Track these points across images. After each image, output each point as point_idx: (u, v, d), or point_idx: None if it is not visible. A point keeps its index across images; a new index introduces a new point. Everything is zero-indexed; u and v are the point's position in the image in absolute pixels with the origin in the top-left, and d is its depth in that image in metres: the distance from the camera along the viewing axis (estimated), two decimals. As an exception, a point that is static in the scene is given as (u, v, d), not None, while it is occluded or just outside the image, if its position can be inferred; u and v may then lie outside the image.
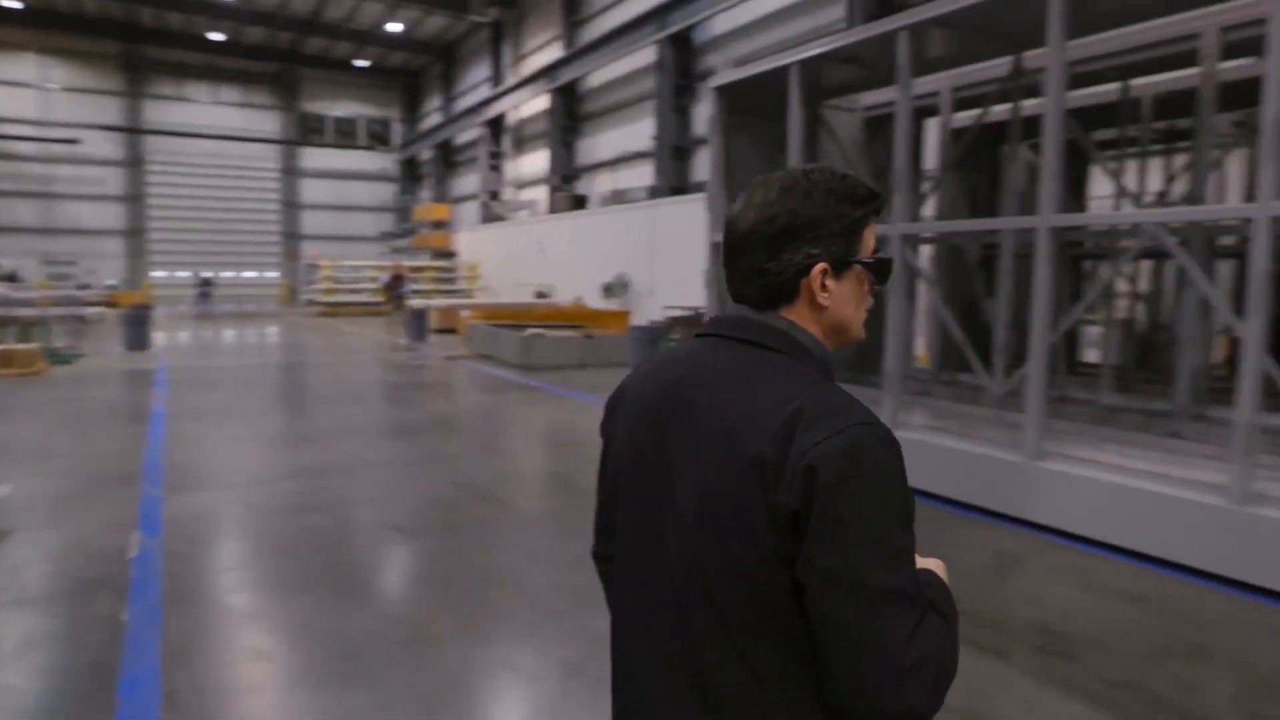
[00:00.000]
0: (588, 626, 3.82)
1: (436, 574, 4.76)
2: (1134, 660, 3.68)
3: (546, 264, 27.04)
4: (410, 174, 43.37)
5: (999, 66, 7.97)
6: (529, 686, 3.48)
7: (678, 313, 17.85)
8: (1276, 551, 4.43)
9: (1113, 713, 3.23)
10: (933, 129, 10.67)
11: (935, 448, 6.38)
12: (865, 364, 10.28)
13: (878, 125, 10.11)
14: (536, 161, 30.38)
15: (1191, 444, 6.27)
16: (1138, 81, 8.37)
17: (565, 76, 26.89)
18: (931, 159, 10.60)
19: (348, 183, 42.68)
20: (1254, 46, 7.19)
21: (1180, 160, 10.07)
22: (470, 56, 35.94)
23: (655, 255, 22.45)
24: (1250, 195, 7.97)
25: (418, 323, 18.97)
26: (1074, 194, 9.72)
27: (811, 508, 1.00)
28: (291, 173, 41.30)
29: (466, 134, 35.15)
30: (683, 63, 23.81)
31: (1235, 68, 7.36)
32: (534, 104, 29.62)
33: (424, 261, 33.06)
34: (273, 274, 40.16)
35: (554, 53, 28.05)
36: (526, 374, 13.41)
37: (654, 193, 24.19)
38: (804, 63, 7.48)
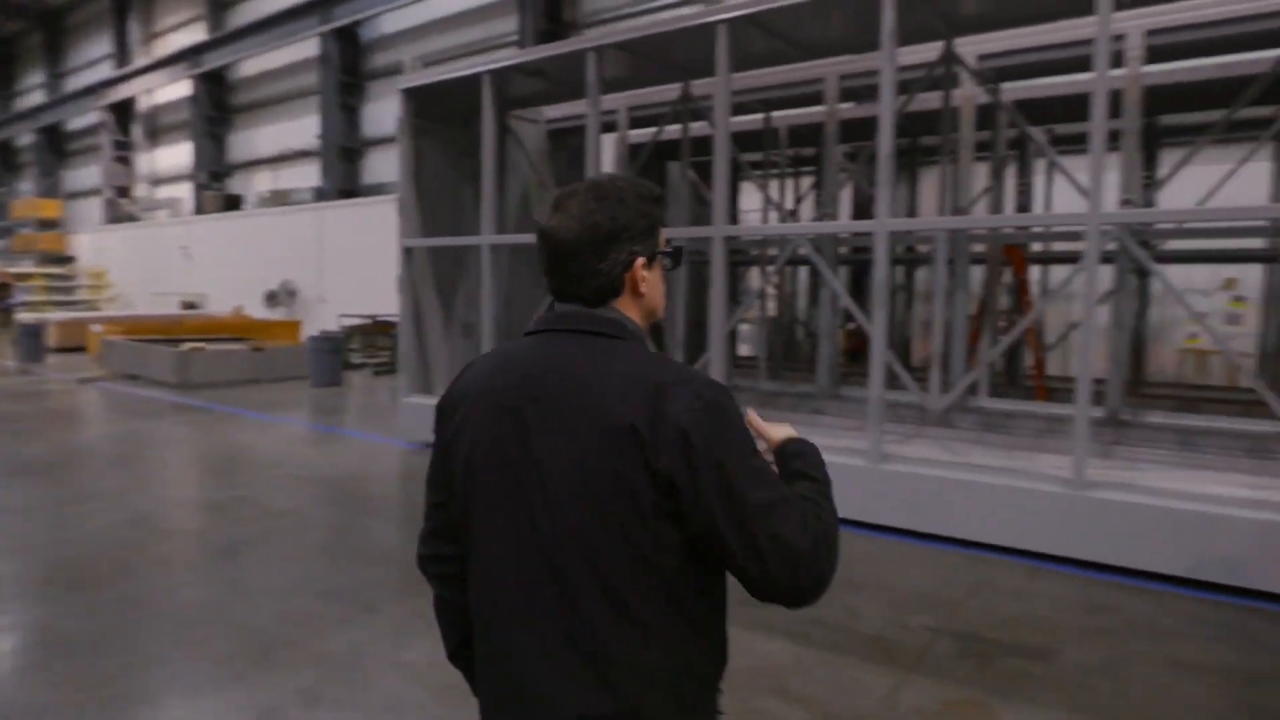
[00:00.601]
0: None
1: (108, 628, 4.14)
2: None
3: (194, 271, 24.14)
4: (4, 162, 35.97)
5: (670, 91, 8.85)
6: None
7: (356, 321, 17.04)
8: (903, 497, 5.53)
9: (804, 643, 3.85)
10: (609, 144, 11.46)
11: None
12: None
13: (560, 137, 10.63)
14: (177, 155, 26.96)
15: (832, 419, 7.54)
16: (777, 114, 9.81)
17: (212, 62, 24.21)
18: (589, 171, 11.34)
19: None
20: (868, 93, 8.80)
21: (810, 181, 11.93)
22: (84, 28, 30.76)
23: (325, 261, 21.14)
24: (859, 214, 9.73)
25: (31, 341, 15.86)
26: (728, 207, 11.04)
27: (693, 462, 1.17)
28: None
29: (83, 119, 30.04)
30: (350, 59, 22.71)
31: (851, 108, 8.94)
32: (172, 90, 26.25)
33: (29, 268, 27.62)
34: None
35: (196, 34, 25.14)
36: (186, 394, 11.92)
37: (320, 194, 22.76)
38: (495, 72, 7.64)
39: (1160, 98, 8.13)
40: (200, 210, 24.88)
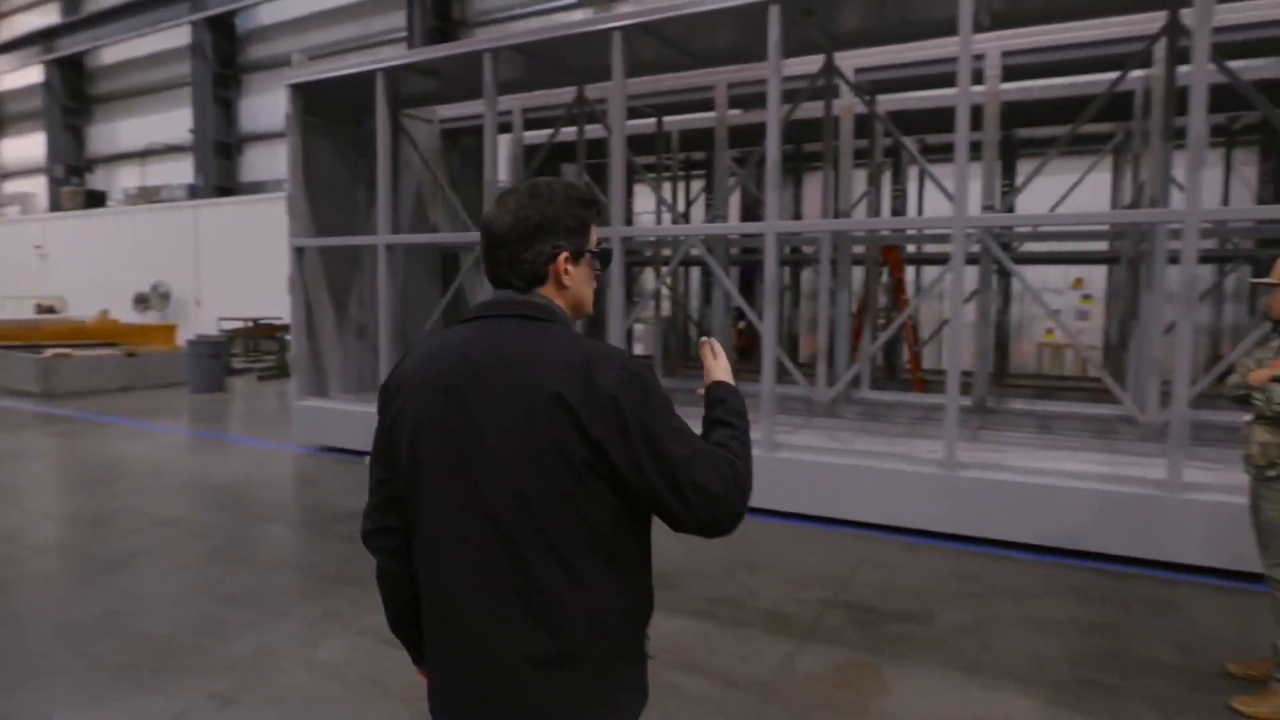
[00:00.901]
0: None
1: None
2: (716, 579, 4.65)
3: (52, 272, 22.49)
4: None
5: (563, 94, 8.99)
6: None
7: (237, 324, 16.36)
8: (795, 484, 5.87)
9: (708, 620, 4.09)
10: (504, 145, 11.47)
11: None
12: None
13: (452, 137, 10.60)
14: (28, 147, 25.03)
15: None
16: (669, 118, 10.10)
17: (68, 48, 22.61)
18: (503, 172, 11.37)
19: None
20: (756, 100, 9.19)
21: (700, 184, 12.29)
22: (-88, 5, 28.06)
23: (201, 261, 20.14)
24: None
25: None
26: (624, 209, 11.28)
27: (624, 426, 1.35)
28: None
29: (-85, 105, 27.41)
30: (225, 50, 21.70)
31: (739, 115, 9.32)
32: (19, 76, 24.34)
33: None
34: None
35: (48, 16, 23.41)
36: (52, 404, 11.17)
37: (194, 192, 21.65)
38: (389, 71, 7.58)
39: (1016, 113, 8.90)
40: (57, 207, 23.20)
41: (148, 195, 21.95)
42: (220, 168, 21.84)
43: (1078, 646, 3.83)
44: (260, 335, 15.13)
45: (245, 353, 16.80)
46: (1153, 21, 6.45)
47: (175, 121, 22.54)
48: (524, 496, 1.37)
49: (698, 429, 1.51)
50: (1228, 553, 4.61)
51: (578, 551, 1.39)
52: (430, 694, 1.53)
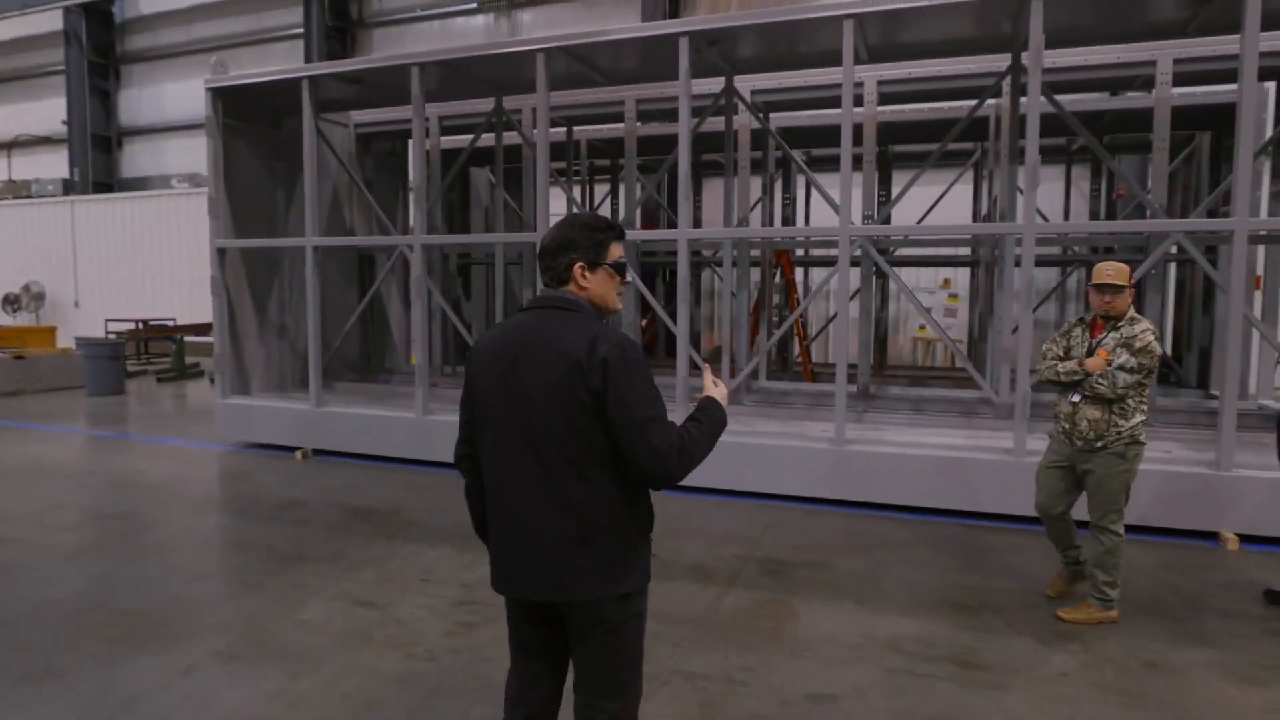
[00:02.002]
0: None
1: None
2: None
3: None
4: None
5: (475, 104, 9.47)
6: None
7: (126, 326, 15.87)
8: (708, 463, 6.57)
9: (644, 576, 4.74)
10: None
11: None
12: (371, 365, 10.96)
13: (366, 141, 10.85)
14: (-127, 135, 23.11)
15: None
16: (579, 129, 10.70)
17: (-81, 30, 21.05)
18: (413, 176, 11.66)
19: None
20: (661, 115, 9.92)
21: (604, 189, 12.92)
22: None
23: (80, 260, 19.23)
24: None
25: None
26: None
27: (607, 383, 1.96)
28: None
29: None
30: (101, 39, 20.77)
31: (645, 127, 10.01)
32: None
33: None
34: None
35: (-105, -4, 21.69)
36: (-67, 407, 10.71)
37: (69, 187, 20.63)
38: (314, 78, 7.86)
39: (892, 131, 9.97)
40: (-91, 200, 21.55)
41: (16, 190, 20.73)
42: (99, 162, 20.89)
43: (944, 581, 4.70)
44: (157, 336, 14.75)
45: (137, 355, 16.29)
46: (1003, 60, 7.53)
47: (46, 111, 21.40)
48: (553, 430, 2.01)
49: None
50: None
51: (589, 465, 2.02)
52: (492, 569, 2.17)
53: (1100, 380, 3.94)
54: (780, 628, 4.06)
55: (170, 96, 20.72)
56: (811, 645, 3.85)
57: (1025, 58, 6.19)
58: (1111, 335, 4.03)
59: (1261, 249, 8.08)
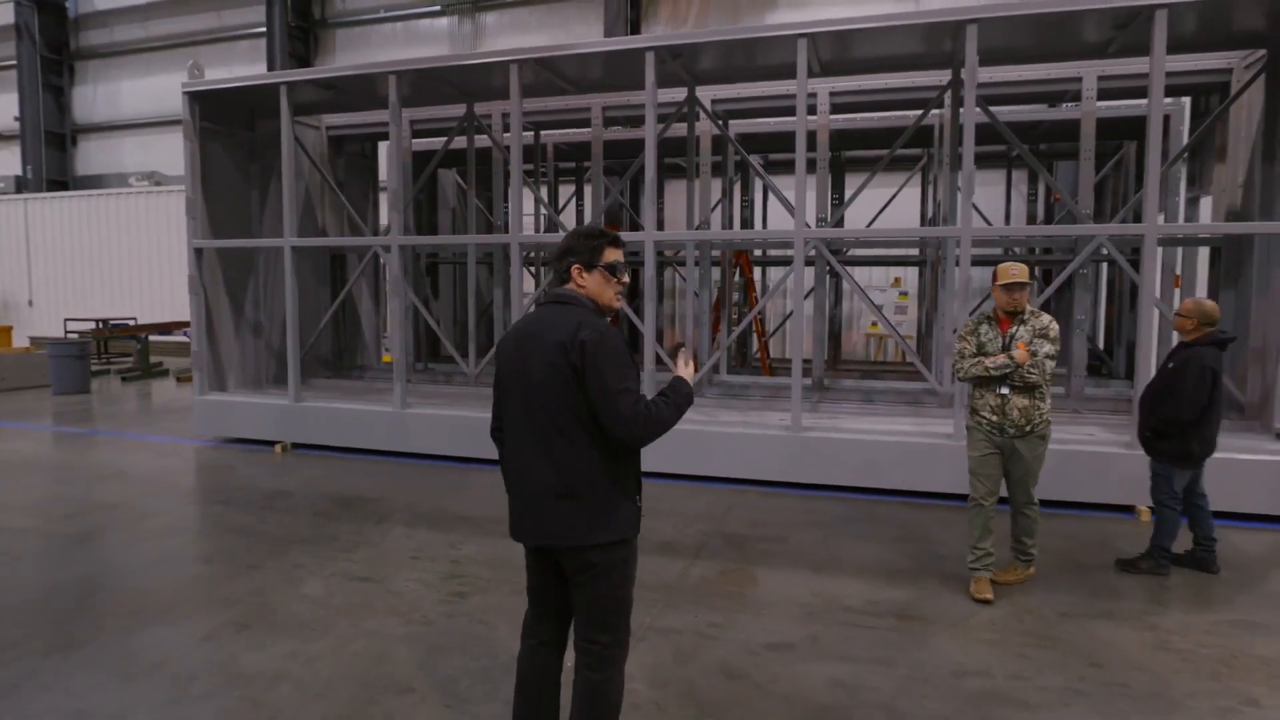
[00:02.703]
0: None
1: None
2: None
3: None
4: None
5: (447, 109, 9.79)
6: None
7: (85, 325, 15.81)
8: (675, 451, 7.03)
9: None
10: (383, 150, 12.06)
11: (442, 418, 7.86)
12: (343, 362, 11.21)
13: (337, 143, 11.09)
14: None
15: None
16: (546, 133, 11.08)
17: None
18: (392, 177, 11.93)
19: None
20: (624, 121, 10.33)
21: (569, 190, 13.30)
22: None
23: (35, 259, 19.00)
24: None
25: None
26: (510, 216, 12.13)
27: (585, 361, 2.39)
28: None
29: None
30: (55, 34, 20.53)
31: (615, 132, 10.43)
32: None
33: None
34: None
35: None
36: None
37: (22, 184, 20.38)
38: (292, 84, 8.12)
39: (844, 138, 10.53)
40: None
41: (-35, 187, 20.39)
42: (53, 159, 20.65)
43: (889, 550, 5.21)
44: (123, 336, 14.75)
45: (97, 354, 16.22)
46: (945, 75, 8.10)
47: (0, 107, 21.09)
48: (548, 402, 2.45)
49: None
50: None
51: (573, 430, 2.45)
52: (509, 521, 2.61)
53: (1032, 370, 4.25)
54: (743, 591, 4.52)
55: (127, 94, 20.57)
56: (770, 605, 4.32)
57: (964, 73, 6.74)
58: (1023, 329, 4.38)
59: (1180, 251, 8.78)
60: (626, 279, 2.69)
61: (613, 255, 2.61)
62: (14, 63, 20.55)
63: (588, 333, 2.40)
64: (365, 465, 7.72)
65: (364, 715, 3.23)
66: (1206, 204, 8.53)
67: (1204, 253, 8.75)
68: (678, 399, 2.57)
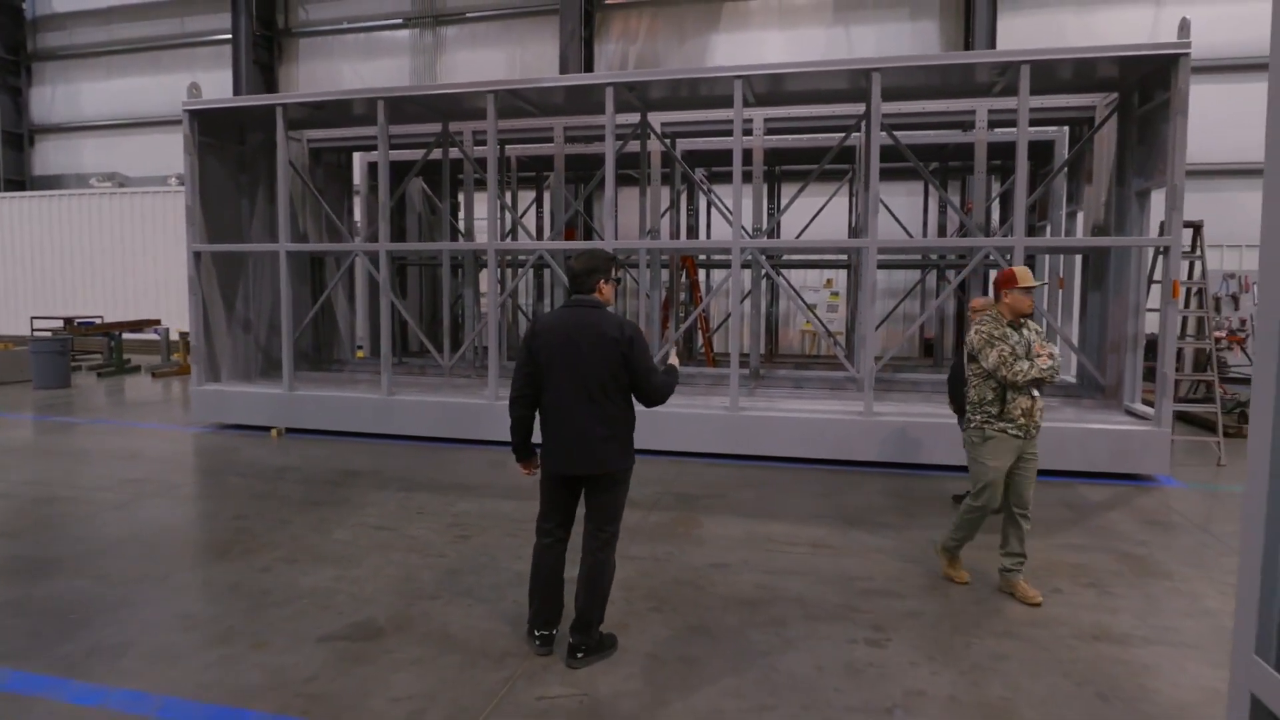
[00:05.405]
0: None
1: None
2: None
3: None
4: None
5: (421, 126, 10.78)
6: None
7: (54, 323, 16.26)
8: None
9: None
10: (359, 162, 12.94)
11: (427, 403, 8.86)
12: (321, 357, 12.08)
13: (317, 155, 11.97)
14: None
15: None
16: (510, 147, 12.12)
17: None
18: (366, 185, 12.83)
19: None
20: (582, 139, 11.44)
21: (529, 198, 14.34)
22: None
23: (-4, 258, 19.23)
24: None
25: None
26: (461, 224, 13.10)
27: (631, 349, 3.57)
28: None
29: None
30: (11, 35, 20.73)
31: (573, 147, 11.53)
32: None
33: None
34: None
35: None
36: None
37: (-21, 183, 20.53)
38: (286, 105, 9.03)
39: (778, 155, 11.82)
40: None
41: (-81, 186, 20.44)
42: (10, 160, 20.86)
43: (810, 504, 6.44)
44: (97, 333, 15.30)
45: (73, 348, 16.63)
46: (862, 105, 9.41)
47: (-46, 108, 21.12)
48: (597, 375, 3.58)
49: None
50: (898, 453, 7.49)
51: (614, 393, 3.61)
52: (551, 460, 3.71)
53: (1056, 373, 4.29)
54: (690, 532, 5.69)
55: (88, 95, 20.88)
56: (711, 540, 5.50)
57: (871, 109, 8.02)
58: (1036, 333, 4.44)
59: (1062, 258, 10.26)
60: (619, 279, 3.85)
61: (617, 272, 3.78)
62: (-30, 64, 20.65)
63: (631, 329, 3.59)
64: (357, 446, 8.68)
65: (407, 612, 4.30)
66: (1082, 218, 10.02)
67: (1079, 259, 10.25)
68: (674, 377, 3.79)
